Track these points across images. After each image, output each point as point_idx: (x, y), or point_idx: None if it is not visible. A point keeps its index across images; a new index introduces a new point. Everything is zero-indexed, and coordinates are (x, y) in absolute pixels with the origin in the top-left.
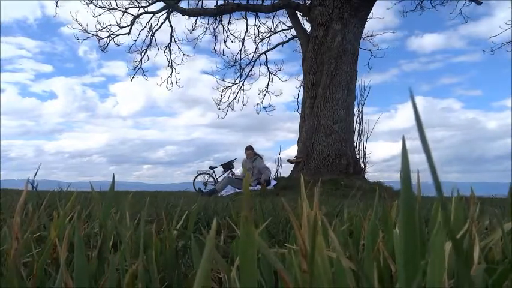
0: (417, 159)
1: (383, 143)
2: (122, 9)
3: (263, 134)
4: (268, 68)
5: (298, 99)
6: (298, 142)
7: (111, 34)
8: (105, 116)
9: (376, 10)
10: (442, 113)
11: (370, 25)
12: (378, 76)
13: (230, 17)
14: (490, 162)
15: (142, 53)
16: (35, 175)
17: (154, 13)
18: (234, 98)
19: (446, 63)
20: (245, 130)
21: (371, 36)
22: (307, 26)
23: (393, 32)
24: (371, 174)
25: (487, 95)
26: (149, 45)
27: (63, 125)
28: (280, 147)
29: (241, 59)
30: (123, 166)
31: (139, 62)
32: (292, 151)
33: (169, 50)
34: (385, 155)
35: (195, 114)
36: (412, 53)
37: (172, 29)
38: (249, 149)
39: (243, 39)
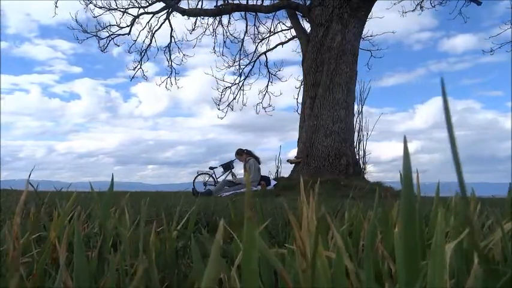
0: (423, 159)
1: (396, 143)
2: (122, 10)
3: (277, 134)
4: (268, 68)
5: (298, 100)
6: (298, 142)
7: (111, 34)
8: (127, 116)
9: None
10: (462, 113)
11: (405, 25)
12: (402, 76)
13: (230, 18)
14: (499, 163)
15: (142, 54)
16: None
17: (154, 13)
18: (234, 99)
19: (473, 64)
20: (260, 130)
21: (371, 36)
22: (307, 26)
23: (393, 33)
24: (377, 174)
25: (507, 95)
26: (149, 46)
27: (81, 125)
28: (280, 147)
29: (240, 59)
30: (129, 166)
31: (139, 62)
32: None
33: (169, 51)
34: (395, 155)
35: (216, 115)
36: (443, 53)
37: (172, 30)
38: (237, 153)
39: (243, 39)
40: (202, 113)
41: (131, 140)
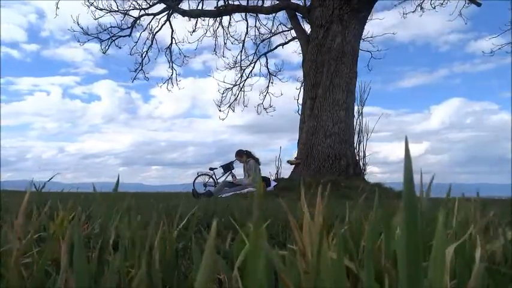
0: (431, 160)
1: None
2: (123, 12)
3: (289, 135)
4: (268, 69)
5: (299, 101)
6: (298, 143)
7: (112, 36)
8: (146, 117)
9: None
10: (480, 115)
11: (438, 27)
12: (424, 77)
13: (230, 19)
14: (506, 163)
15: (143, 55)
16: None
17: (154, 15)
18: (235, 99)
19: (497, 65)
20: (273, 131)
21: (371, 37)
22: (307, 28)
23: (393, 34)
24: (382, 175)
25: None
26: (150, 47)
27: (97, 127)
28: (280, 148)
29: (241, 60)
30: (133, 167)
31: (140, 63)
32: None
33: (170, 52)
34: (403, 156)
35: (235, 116)
36: (470, 55)
37: (172, 31)
38: (237, 154)
39: (243, 40)
40: (219, 114)
41: (143, 141)
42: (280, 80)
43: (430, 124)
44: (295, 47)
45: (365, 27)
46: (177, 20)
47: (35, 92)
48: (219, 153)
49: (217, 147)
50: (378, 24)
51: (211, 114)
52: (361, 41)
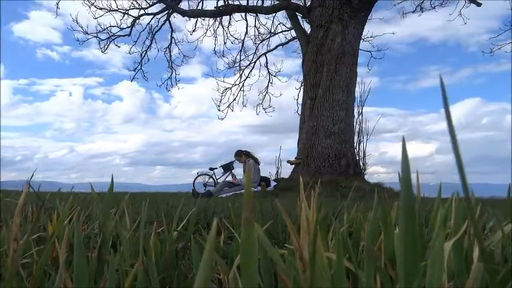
0: (438, 160)
1: (417, 144)
2: (122, 11)
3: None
4: (268, 69)
5: (298, 101)
6: (298, 143)
7: (112, 36)
8: (165, 117)
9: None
10: (498, 114)
11: (472, 28)
12: (446, 76)
13: (230, 18)
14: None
15: (143, 54)
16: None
17: (154, 14)
18: (234, 100)
19: None
20: (286, 131)
21: (371, 37)
22: (307, 27)
23: (393, 33)
24: (386, 175)
25: None
26: (149, 47)
27: (113, 127)
28: (280, 148)
29: (240, 60)
30: (138, 167)
31: (140, 63)
32: None
33: (170, 51)
34: (411, 155)
35: (250, 116)
36: (498, 54)
37: (172, 31)
38: (236, 154)
39: (243, 40)
40: (235, 114)
41: (154, 141)
42: (280, 80)
43: (444, 125)
44: (295, 47)
45: (373, 27)
46: (175, 19)
47: (56, 92)
48: (227, 153)
49: (227, 147)
50: (421, 25)
51: (228, 114)
52: (361, 40)
